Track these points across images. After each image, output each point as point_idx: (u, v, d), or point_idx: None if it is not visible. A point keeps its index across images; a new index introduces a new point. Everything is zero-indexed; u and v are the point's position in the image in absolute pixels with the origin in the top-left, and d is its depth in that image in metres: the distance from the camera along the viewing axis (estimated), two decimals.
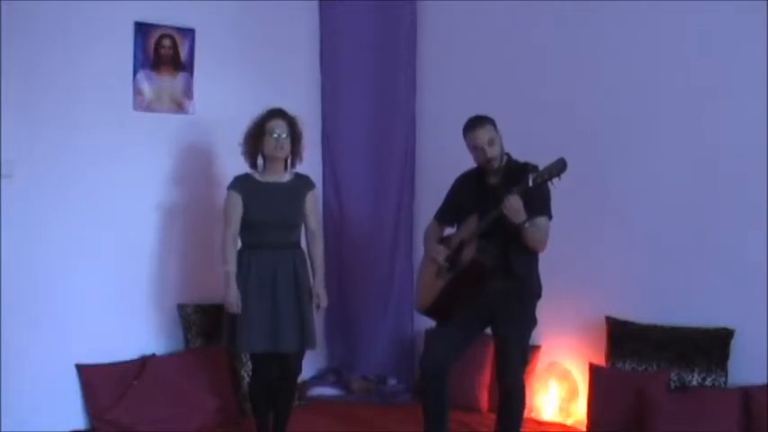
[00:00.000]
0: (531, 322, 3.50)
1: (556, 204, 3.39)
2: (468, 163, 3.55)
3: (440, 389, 3.46)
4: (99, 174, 3.90)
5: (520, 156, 3.48)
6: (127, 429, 3.72)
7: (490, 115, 3.47)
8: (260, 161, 3.69)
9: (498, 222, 3.28)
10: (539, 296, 3.49)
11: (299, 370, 3.76)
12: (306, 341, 3.63)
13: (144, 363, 3.97)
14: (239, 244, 3.65)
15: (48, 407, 3.69)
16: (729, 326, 3.69)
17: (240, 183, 3.65)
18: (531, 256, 3.43)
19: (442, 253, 3.53)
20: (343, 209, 5.01)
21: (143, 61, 4.07)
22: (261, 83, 4.49)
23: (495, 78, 4.48)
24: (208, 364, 4.08)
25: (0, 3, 3.51)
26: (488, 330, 3.52)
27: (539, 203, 3.32)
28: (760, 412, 3.46)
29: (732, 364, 3.68)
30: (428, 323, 4.03)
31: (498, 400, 3.48)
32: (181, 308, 4.18)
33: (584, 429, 3.95)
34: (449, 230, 3.69)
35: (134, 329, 4.06)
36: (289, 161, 3.71)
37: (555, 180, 3.18)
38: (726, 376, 3.68)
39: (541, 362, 4.28)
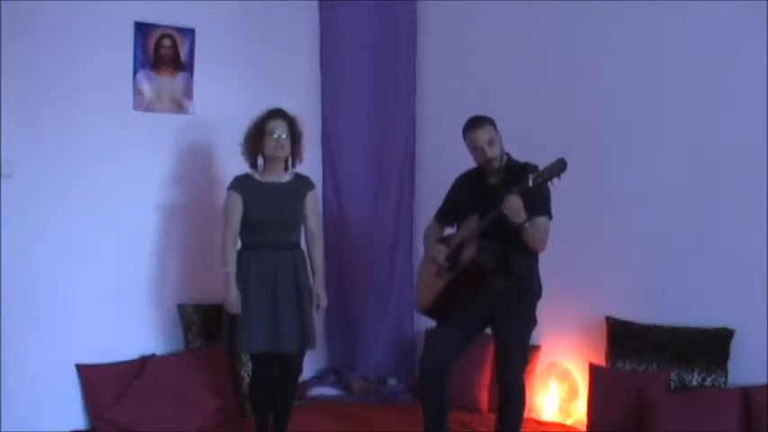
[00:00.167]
0: (531, 322, 3.50)
1: (556, 204, 3.39)
2: (468, 163, 3.55)
3: (440, 389, 3.46)
4: (99, 174, 3.90)
5: (520, 156, 3.48)
6: (127, 429, 3.72)
7: (490, 115, 3.47)
8: (260, 161, 3.69)
9: (498, 222, 3.28)
10: (539, 296, 3.49)
11: (300, 370, 3.76)
12: (306, 341, 3.62)
13: (144, 363, 3.97)
14: (239, 244, 3.65)
15: (48, 407, 3.69)
16: (729, 326, 3.69)
17: (240, 183, 3.65)
18: (531, 256, 3.43)
19: (442, 252, 3.53)
20: (343, 209, 5.01)
21: (143, 61, 4.07)
22: (261, 83, 4.49)
23: (495, 78, 4.48)
24: (208, 364, 4.08)
25: (0, 3, 3.51)
26: (488, 330, 3.52)
27: (539, 203, 3.32)
28: (760, 412, 3.46)
29: (732, 364, 3.68)
30: (428, 323, 4.03)
31: (498, 400, 3.48)
32: (181, 308, 4.18)
33: (584, 429, 3.95)
34: (449, 230, 3.69)
35: (134, 329, 4.06)
36: (289, 161, 3.71)
37: (555, 180, 3.18)
38: (726, 376, 3.68)
39: (541, 362, 4.28)
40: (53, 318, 3.77)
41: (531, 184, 3.20)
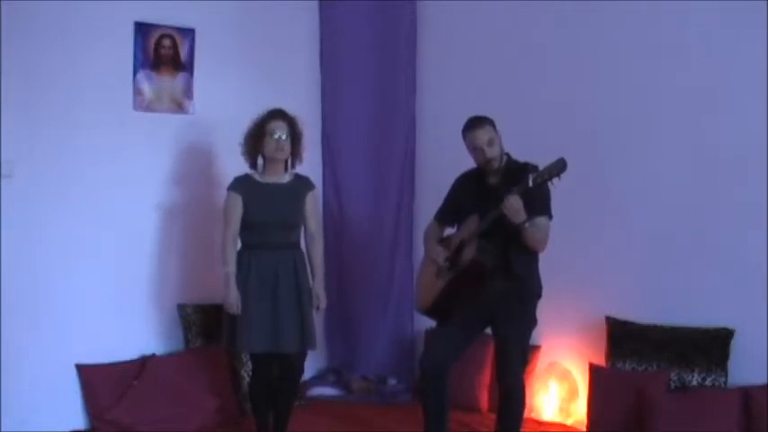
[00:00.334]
0: (531, 322, 3.50)
1: (556, 204, 3.39)
2: (468, 163, 3.55)
3: (440, 389, 3.46)
4: (99, 174, 3.90)
5: (520, 156, 3.48)
6: (127, 429, 3.72)
7: (490, 115, 3.46)
8: (260, 161, 3.69)
9: (498, 222, 3.28)
10: (539, 296, 3.49)
11: (301, 370, 3.76)
12: (306, 341, 3.63)
13: (144, 363, 3.97)
14: (239, 244, 3.65)
15: (48, 407, 3.69)
16: (729, 326, 3.69)
17: (240, 183, 3.65)
18: (531, 256, 3.43)
19: (441, 255, 3.53)
20: (343, 209, 5.01)
21: (143, 61, 4.07)
22: (261, 83, 4.49)
23: (495, 78, 4.48)
24: (208, 364, 4.08)
25: (0, 3, 3.51)
26: (488, 330, 3.52)
27: (539, 203, 3.32)
28: (760, 412, 3.46)
29: (732, 364, 3.68)
30: (428, 323, 4.03)
31: (498, 400, 3.48)
32: (181, 308, 4.18)
33: (585, 429, 3.95)
34: (449, 230, 3.69)
35: (134, 329, 4.06)
36: (289, 162, 3.71)
37: (555, 180, 3.18)
38: (726, 376, 3.68)
39: (541, 362, 4.28)
40: (53, 318, 3.77)
41: (531, 184, 3.20)
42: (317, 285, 3.70)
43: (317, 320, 3.85)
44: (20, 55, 3.59)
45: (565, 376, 4.21)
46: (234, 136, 3.71)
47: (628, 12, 4.01)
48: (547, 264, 3.48)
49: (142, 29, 4.05)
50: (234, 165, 3.76)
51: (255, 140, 3.64)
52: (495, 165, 3.43)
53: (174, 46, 4.19)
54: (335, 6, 4.92)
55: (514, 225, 3.26)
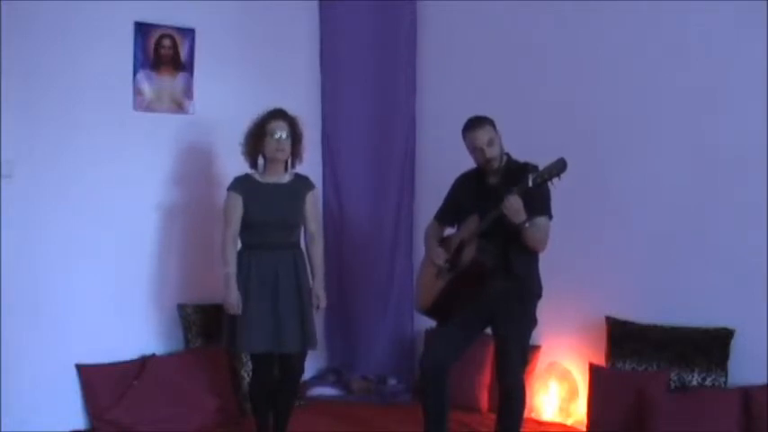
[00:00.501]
0: (531, 322, 3.50)
1: (556, 204, 3.39)
2: (468, 163, 3.55)
3: (440, 389, 3.46)
4: (99, 174, 3.90)
5: (520, 156, 3.48)
6: (127, 429, 3.72)
7: (490, 115, 3.47)
8: (260, 161, 3.69)
9: (498, 222, 3.28)
10: (539, 296, 3.49)
11: (302, 370, 3.75)
12: (306, 341, 3.62)
13: (144, 363, 3.97)
14: (239, 244, 3.65)
15: (48, 407, 3.69)
16: (729, 326, 3.69)
17: (240, 183, 3.65)
18: (531, 256, 3.43)
19: (441, 256, 3.53)
20: (343, 209, 5.01)
21: (143, 61, 4.07)
22: (261, 83, 4.50)
23: (495, 78, 4.48)
24: (208, 364, 4.08)
25: (0, 3, 3.51)
26: (488, 330, 3.52)
27: (539, 203, 3.32)
28: (760, 412, 3.46)
29: (732, 364, 3.68)
30: (428, 323, 4.03)
31: (498, 400, 3.49)
32: (181, 308, 4.18)
33: (584, 429, 3.95)
34: (449, 230, 3.69)
35: (134, 329, 4.06)
36: (289, 162, 3.71)
37: (555, 180, 3.18)
38: (726, 376, 3.68)
39: (541, 362, 4.28)
40: (53, 318, 3.77)
41: (530, 184, 3.20)
42: (318, 285, 3.70)
43: (317, 320, 3.85)
44: (20, 55, 3.59)
45: (565, 376, 4.21)
46: (234, 136, 3.71)
47: (628, 12, 4.01)
48: (547, 264, 3.48)
49: (142, 29, 4.05)
50: (234, 165, 3.76)
51: (256, 140, 3.64)
52: (495, 165, 3.43)
53: (174, 46, 4.19)
54: (335, 6, 4.92)
55: (514, 225, 3.26)
